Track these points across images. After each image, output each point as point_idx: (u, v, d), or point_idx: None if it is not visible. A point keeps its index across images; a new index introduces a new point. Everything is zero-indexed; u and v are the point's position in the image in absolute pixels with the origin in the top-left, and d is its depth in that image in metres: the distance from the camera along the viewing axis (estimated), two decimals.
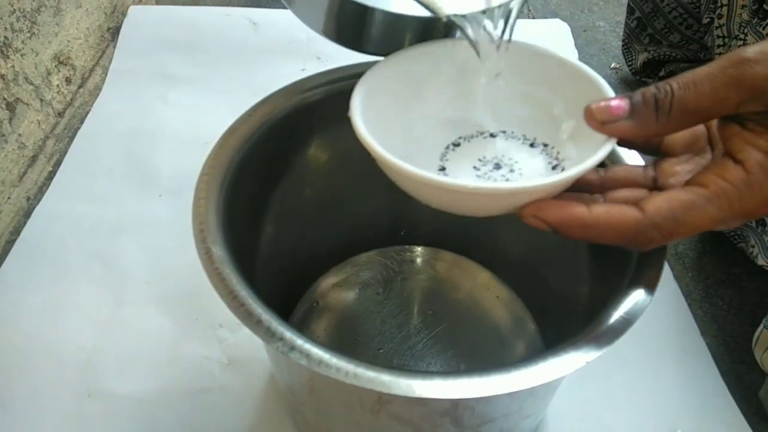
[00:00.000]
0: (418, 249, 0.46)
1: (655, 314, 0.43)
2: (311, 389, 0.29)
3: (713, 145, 0.26)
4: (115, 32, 0.66)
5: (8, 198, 0.49)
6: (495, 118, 0.30)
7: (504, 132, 0.30)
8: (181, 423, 0.38)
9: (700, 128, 0.26)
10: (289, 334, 0.24)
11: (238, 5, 0.80)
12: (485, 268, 0.45)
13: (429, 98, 0.31)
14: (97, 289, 0.45)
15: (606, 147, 0.24)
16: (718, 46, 0.45)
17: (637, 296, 0.25)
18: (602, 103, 0.24)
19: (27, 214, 0.50)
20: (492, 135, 0.30)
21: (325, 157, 0.37)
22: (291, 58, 0.64)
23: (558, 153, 0.29)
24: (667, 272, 0.47)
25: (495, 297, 0.43)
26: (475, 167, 0.29)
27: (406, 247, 0.46)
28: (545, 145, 0.29)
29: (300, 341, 0.23)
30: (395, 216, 0.44)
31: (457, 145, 0.30)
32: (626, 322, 0.25)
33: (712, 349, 0.43)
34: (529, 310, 0.42)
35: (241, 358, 0.41)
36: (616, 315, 0.25)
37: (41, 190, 0.52)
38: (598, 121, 0.24)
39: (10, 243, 0.48)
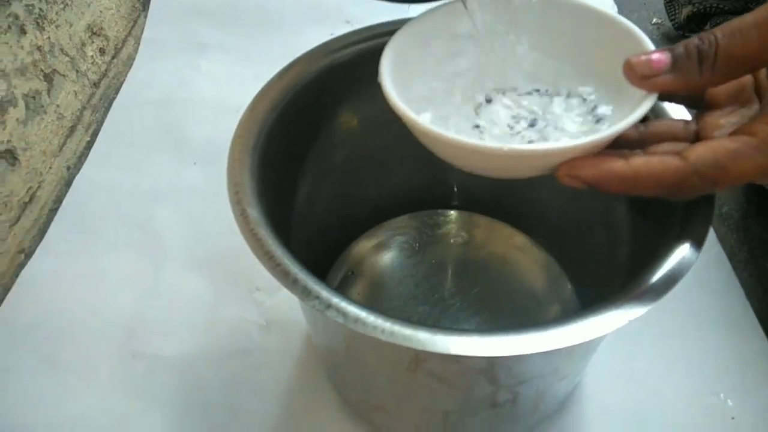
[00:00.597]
0: (452, 213, 0.46)
1: (698, 277, 0.42)
2: (348, 348, 0.30)
3: (761, 94, 0.25)
4: (146, 2, 0.66)
5: (50, 168, 0.50)
6: (529, 73, 0.29)
7: (538, 89, 0.29)
8: (222, 383, 0.39)
9: (746, 77, 0.25)
10: (325, 293, 0.24)
11: None
12: (520, 231, 0.44)
13: (459, 57, 0.30)
14: (137, 255, 0.46)
15: (646, 103, 0.23)
16: None
17: (682, 253, 0.25)
18: (642, 57, 0.23)
19: (68, 183, 0.51)
20: (527, 92, 0.30)
21: (357, 118, 0.37)
22: (320, 22, 0.63)
23: (596, 108, 0.28)
24: (711, 234, 0.45)
25: (530, 260, 0.43)
26: (509, 126, 0.28)
27: (440, 211, 0.46)
28: (584, 99, 0.28)
29: (336, 299, 0.23)
30: (428, 179, 0.43)
31: (489, 101, 0.29)
32: (671, 280, 0.24)
33: (758, 312, 0.41)
34: (566, 272, 0.42)
35: (279, 320, 0.41)
36: (660, 272, 0.24)
37: (80, 160, 0.53)
38: (639, 75, 0.23)
39: (53, 211, 0.49)
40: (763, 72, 0.24)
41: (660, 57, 0.23)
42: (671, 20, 0.62)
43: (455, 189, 0.44)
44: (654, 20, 0.65)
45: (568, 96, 0.29)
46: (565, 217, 0.40)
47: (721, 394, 0.38)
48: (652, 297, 0.23)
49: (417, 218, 0.45)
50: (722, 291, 0.42)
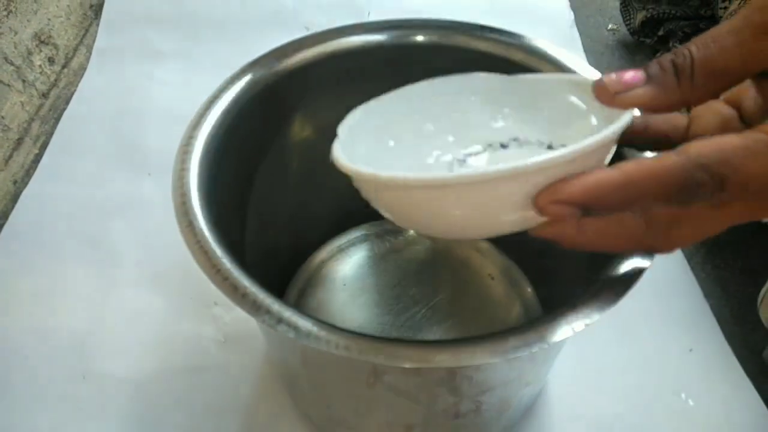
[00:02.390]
0: None
1: (656, 278, 0.43)
2: (304, 362, 0.29)
3: (751, 122, 0.23)
4: (98, 9, 0.64)
5: None
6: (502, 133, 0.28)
7: (516, 139, 0.27)
8: (178, 401, 0.37)
9: (726, 110, 0.23)
10: (276, 307, 0.23)
11: None
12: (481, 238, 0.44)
13: (423, 133, 0.28)
14: (89, 271, 0.44)
15: (626, 116, 0.21)
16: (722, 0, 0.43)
17: (636, 259, 0.25)
18: (613, 75, 0.21)
19: (14, 198, 0.49)
20: (503, 145, 0.27)
21: (311, 125, 0.36)
22: (278, 29, 0.62)
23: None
24: None
25: (493, 266, 0.43)
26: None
27: None
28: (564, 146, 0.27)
29: (288, 313, 0.22)
30: None
31: (463, 161, 0.27)
32: (626, 284, 0.24)
33: (715, 311, 0.42)
34: (528, 277, 0.41)
35: (237, 335, 0.40)
36: (616, 278, 0.24)
37: (28, 173, 0.51)
38: (611, 92, 0.21)
39: None
40: (747, 99, 0.23)
41: (633, 73, 0.21)
42: (627, 25, 0.63)
43: None
44: (610, 26, 0.66)
45: (550, 144, 0.27)
46: None
47: (683, 394, 0.38)
48: (609, 302, 0.23)
49: (377, 226, 0.44)
50: (681, 291, 0.42)
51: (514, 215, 0.21)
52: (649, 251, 0.21)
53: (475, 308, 0.40)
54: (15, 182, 0.50)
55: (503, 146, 0.27)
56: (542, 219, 0.21)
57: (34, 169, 0.51)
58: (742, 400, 0.38)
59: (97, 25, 0.63)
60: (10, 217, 0.47)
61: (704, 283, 0.44)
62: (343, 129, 0.25)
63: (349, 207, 0.43)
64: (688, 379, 0.39)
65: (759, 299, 0.39)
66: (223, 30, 0.62)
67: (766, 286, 0.38)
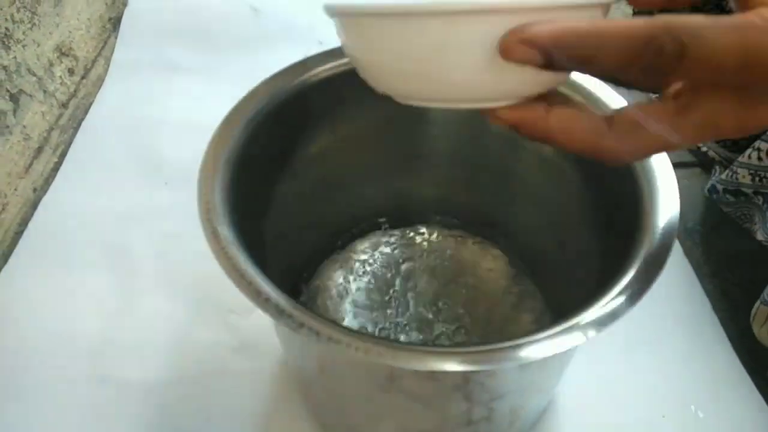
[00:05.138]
0: (425, 229, 0.46)
1: (666, 290, 0.43)
2: (321, 368, 0.29)
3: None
4: (116, 22, 0.65)
5: (15, 189, 0.49)
6: None
7: None
8: (194, 407, 0.38)
9: None
10: (298, 312, 0.23)
11: None
12: (492, 246, 0.45)
13: None
14: (106, 278, 0.45)
15: None
16: None
17: (648, 268, 0.25)
18: None
19: (34, 205, 0.50)
20: None
21: (331, 137, 0.37)
22: (293, 43, 0.63)
23: None
24: (677, 248, 0.46)
25: (503, 274, 0.43)
26: None
27: (411, 227, 0.46)
28: None
29: (309, 318, 0.23)
30: (403, 197, 0.44)
31: None
32: (636, 294, 0.24)
33: (724, 323, 0.42)
34: (538, 286, 0.42)
35: (252, 342, 0.41)
36: (626, 288, 0.25)
37: (47, 182, 0.52)
38: None
39: (18, 234, 0.48)
40: None
41: None
42: None
43: (426, 206, 0.45)
44: None
45: None
46: (536, 230, 0.41)
47: (692, 406, 0.38)
48: (620, 311, 0.24)
49: (391, 235, 0.45)
50: (690, 304, 0.43)
51: (477, 72, 0.19)
52: (601, 157, 0.20)
53: (485, 317, 0.41)
54: (35, 190, 0.51)
55: None
56: (505, 102, 0.20)
57: (54, 177, 0.52)
58: (752, 412, 0.38)
59: (116, 37, 0.64)
60: (30, 224, 0.48)
61: (712, 295, 0.44)
62: None
63: (364, 215, 0.44)
64: (697, 391, 0.39)
65: (752, 315, 0.39)
66: (239, 44, 0.64)
67: (758, 302, 0.38)
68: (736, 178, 0.42)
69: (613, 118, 0.20)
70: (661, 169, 0.29)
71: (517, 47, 0.18)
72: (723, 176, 0.43)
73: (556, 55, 0.18)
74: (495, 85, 0.19)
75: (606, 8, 0.20)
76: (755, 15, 0.17)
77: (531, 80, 0.20)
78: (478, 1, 0.17)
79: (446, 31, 0.17)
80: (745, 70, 0.17)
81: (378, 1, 0.18)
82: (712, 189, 0.45)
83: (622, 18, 0.18)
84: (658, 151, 0.20)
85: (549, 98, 0.21)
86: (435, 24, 0.17)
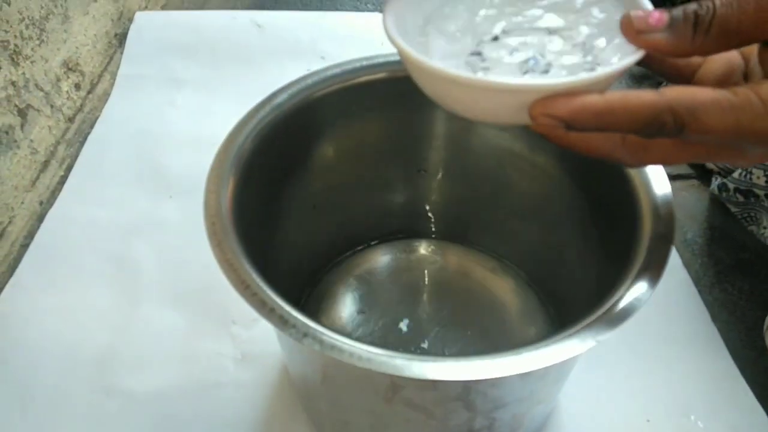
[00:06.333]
0: (427, 241, 0.46)
1: (665, 301, 0.44)
2: (324, 377, 0.30)
3: (750, 79, 0.25)
4: (122, 38, 0.66)
5: (22, 203, 0.50)
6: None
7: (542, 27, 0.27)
8: (197, 417, 0.38)
9: (737, 60, 0.25)
10: (302, 321, 0.24)
11: (242, 8, 0.81)
12: (494, 258, 0.45)
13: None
14: (112, 290, 0.45)
15: (634, 56, 0.23)
16: None
17: (646, 280, 0.26)
18: (641, 12, 0.23)
19: (40, 218, 0.51)
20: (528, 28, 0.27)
21: (333, 150, 0.37)
22: (296, 58, 0.64)
23: (592, 49, 0.26)
24: (676, 259, 0.47)
25: (505, 285, 0.44)
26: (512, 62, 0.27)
27: (415, 239, 0.46)
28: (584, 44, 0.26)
29: (313, 327, 0.24)
30: (405, 209, 0.44)
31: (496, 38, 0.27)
32: (636, 302, 0.25)
33: (724, 334, 0.42)
34: (539, 296, 0.42)
35: (255, 353, 0.41)
36: (625, 298, 0.25)
37: (54, 195, 0.53)
38: (635, 29, 0.23)
39: (25, 247, 0.48)
40: (753, 58, 0.24)
41: (658, 15, 0.23)
42: None
43: (430, 218, 0.45)
44: None
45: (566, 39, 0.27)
46: (536, 241, 0.41)
47: (692, 416, 0.38)
48: (619, 319, 0.24)
49: (393, 246, 0.46)
50: (689, 314, 0.43)
51: (515, 113, 0.24)
52: (619, 163, 0.25)
53: (488, 327, 0.41)
54: (41, 203, 0.52)
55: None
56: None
57: (60, 191, 0.53)
58: (752, 421, 0.38)
59: (121, 53, 0.65)
60: (36, 237, 0.49)
61: (712, 307, 0.44)
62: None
63: (366, 227, 0.45)
64: (696, 401, 0.39)
65: (765, 325, 0.40)
66: (243, 59, 0.65)
67: None
68: (750, 179, 0.42)
69: (626, 137, 0.24)
70: (656, 177, 0.30)
71: (542, 119, 0.22)
72: (736, 175, 0.43)
73: (575, 124, 0.22)
74: (526, 117, 0.25)
75: (619, 75, 0.24)
76: (754, 93, 0.21)
77: None
78: (515, 82, 0.23)
79: (492, 95, 0.23)
80: (735, 141, 0.22)
81: (441, 62, 0.24)
82: (722, 186, 0.45)
83: (631, 89, 0.22)
84: (660, 164, 0.25)
85: None
86: (486, 92, 0.23)
